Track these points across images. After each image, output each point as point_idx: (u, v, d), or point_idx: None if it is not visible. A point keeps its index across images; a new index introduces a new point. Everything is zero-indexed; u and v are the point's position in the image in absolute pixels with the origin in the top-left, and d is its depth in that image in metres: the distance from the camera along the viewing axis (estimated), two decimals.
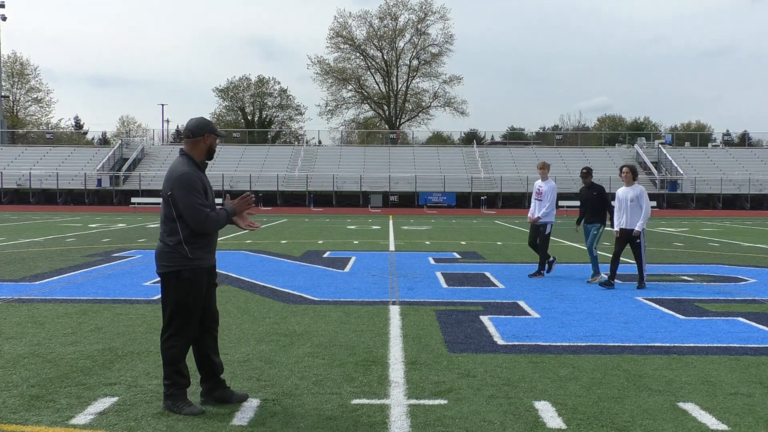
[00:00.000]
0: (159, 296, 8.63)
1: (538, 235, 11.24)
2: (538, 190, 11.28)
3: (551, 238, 11.56)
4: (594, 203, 10.64)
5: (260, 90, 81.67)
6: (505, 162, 53.39)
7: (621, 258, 10.20)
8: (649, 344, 6.40)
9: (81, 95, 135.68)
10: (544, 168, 11.39)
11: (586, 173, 10.83)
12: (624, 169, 10.17)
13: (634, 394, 4.84)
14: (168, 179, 4.42)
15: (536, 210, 11.23)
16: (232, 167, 50.33)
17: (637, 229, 9.90)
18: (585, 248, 16.42)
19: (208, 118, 4.72)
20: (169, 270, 4.40)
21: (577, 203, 11.44)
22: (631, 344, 6.38)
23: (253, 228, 4.64)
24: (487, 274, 11.37)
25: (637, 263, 10.02)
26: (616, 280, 10.63)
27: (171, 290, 4.42)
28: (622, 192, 10.12)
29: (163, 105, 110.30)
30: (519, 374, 5.31)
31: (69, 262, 12.61)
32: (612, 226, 10.52)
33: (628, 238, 9.99)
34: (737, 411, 4.52)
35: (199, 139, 4.50)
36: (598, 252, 10.88)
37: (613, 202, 10.45)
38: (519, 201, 46.21)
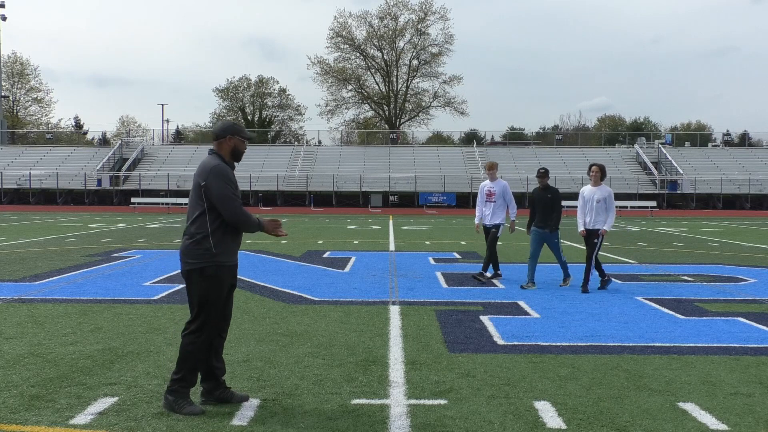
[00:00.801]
0: (159, 296, 8.70)
1: (489, 235, 10.78)
2: (489, 191, 10.75)
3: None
4: (546, 206, 9.99)
5: (260, 90, 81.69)
6: (505, 162, 53.33)
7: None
8: (649, 344, 6.40)
9: (81, 95, 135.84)
10: (492, 168, 10.87)
11: (544, 173, 10.12)
12: (593, 168, 9.70)
13: (634, 394, 4.85)
14: (200, 172, 4.43)
15: (490, 212, 10.70)
16: None
17: (605, 228, 9.60)
18: (582, 247, 16.41)
19: (233, 121, 4.77)
20: (193, 267, 4.41)
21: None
22: (631, 344, 6.38)
23: (280, 234, 4.63)
24: (487, 274, 11.35)
25: (587, 264, 9.65)
26: (615, 280, 10.63)
27: (195, 287, 4.43)
28: (589, 192, 9.70)
29: (163, 105, 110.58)
30: (519, 374, 5.31)
31: (69, 262, 12.61)
32: (548, 228, 10.02)
33: (592, 235, 9.66)
34: (737, 411, 4.52)
35: (222, 141, 4.55)
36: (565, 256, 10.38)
37: (579, 202, 10.00)
38: (519, 201, 46.05)
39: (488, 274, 10.90)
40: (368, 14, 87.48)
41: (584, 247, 10.04)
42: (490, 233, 10.73)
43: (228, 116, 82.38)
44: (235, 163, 4.65)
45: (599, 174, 9.63)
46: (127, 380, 5.06)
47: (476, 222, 11.04)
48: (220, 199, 4.35)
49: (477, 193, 11.12)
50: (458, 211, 42.64)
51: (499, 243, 11.11)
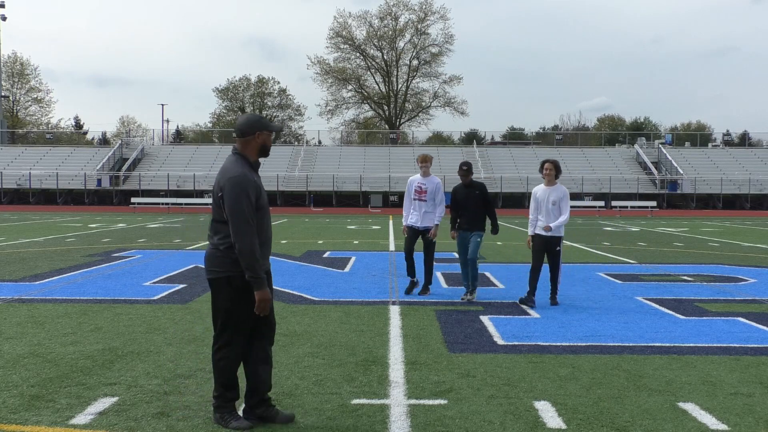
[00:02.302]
0: (159, 296, 8.69)
1: (425, 242, 9.27)
2: (420, 188, 9.12)
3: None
4: (475, 206, 8.75)
5: (260, 90, 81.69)
6: (505, 162, 53.42)
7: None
8: (649, 344, 6.40)
9: (81, 95, 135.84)
10: (426, 162, 9.13)
11: (467, 170, 8.79)
12: (546, 164, 8.43)
13: (634, 394, 4.85)
14: (220, 179, 4.08)
15: (420, 213, 9.18)
16: None
17: (552, 227, 8.29)
18: (582, 247, 16.34)
19: (257, 114, 4.36)
20: (219, 276, 4.09)
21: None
22: (631, 344, 6.38)
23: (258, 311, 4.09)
24: (487, 274, 11.37)
25: (553, 276, 8.53)
26: (615, 280, 10.60)
27: (222, 297, 4.12)
28: (542, 192, 8.44)
29: (163, 105, 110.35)
30: (519, 374, 5.32)
31: (69, 262, 12.61)
32: (494, 230, 9.06)
33: (546, 246, 8.43)
34: (737, 411, 4.52)
35: (249, 138, 4.16)
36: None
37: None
38: (519, 201, 46.23)
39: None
40: (368, 14, 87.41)
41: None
42: (425, 239, 9.23)
43: (228, 116, 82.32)
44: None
45: (554, 171, 8.41)
46: (127, 380, 5.06)
47: (404, 224, 9.40)
48: (232, 214, 3.97)
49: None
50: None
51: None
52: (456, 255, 9.51)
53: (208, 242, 4.24)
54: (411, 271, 9.34)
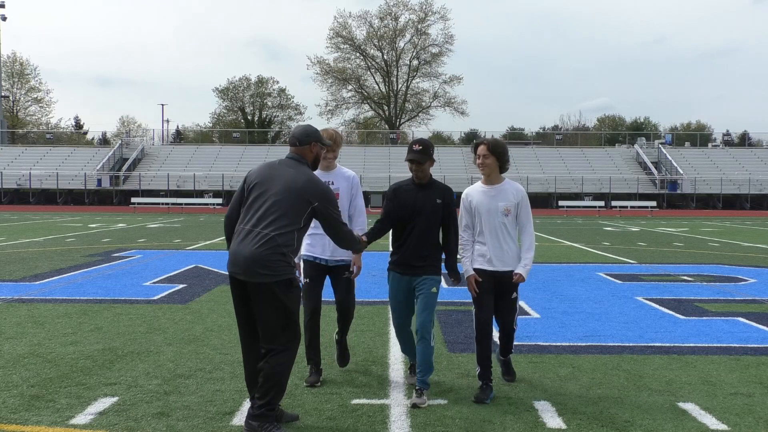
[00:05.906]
0: (159, 296, 8.69)
1: (337, 283, 5.62)
2: None
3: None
4: (431, 223, 4.94)
5: (260, 90, 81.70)
6: None
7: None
8: (649, 344, 6.40)
9: (82, 95, 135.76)
10: (332, 149, 5.18)
11: (422, 150, 5.06)
12: (481, 147, 4.95)
13: (634, 394, 4.85)
14: (307, 188, 4.11)
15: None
16: (232, 167, 50.32)
17: (519, 271, 4.86)
18: (582, 247, 16.22)
19: (312, 126, 4.50)
20: (280, 278, 4.00)
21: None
22: (631, 344, 6.38)
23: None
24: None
25: (505, 335, 5.12)
26: (615, 280, 10.56)
27: (282, 300, 4.01)
28: (481, 196, 5.04)
29: (163, 105, 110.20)
30: (519, 374, 5.31)
31: (69, 262, 12.61)
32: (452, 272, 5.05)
33: (499, 286, 4.92)
34: (737, 411, 4.52)
35: (305, 147, 4.31)
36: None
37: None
38: None
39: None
40: (368, 14, 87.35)
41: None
42: (337, 280, 5.63)
43: (228, 116, 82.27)
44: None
45: (493, 159, 4.93)
46: (127, 380, 5.06)
47: (297, 260, 4.27)
48: (335, 222, 4.26)
49: None
50: (458, 212, 42.59)
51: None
52: None
53: (251, 246, 3.98)
54: (314, 349, 5.21)
